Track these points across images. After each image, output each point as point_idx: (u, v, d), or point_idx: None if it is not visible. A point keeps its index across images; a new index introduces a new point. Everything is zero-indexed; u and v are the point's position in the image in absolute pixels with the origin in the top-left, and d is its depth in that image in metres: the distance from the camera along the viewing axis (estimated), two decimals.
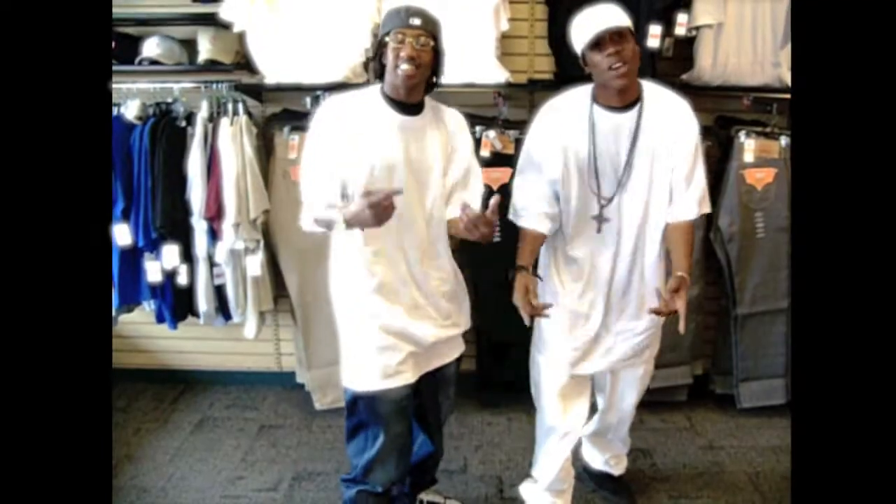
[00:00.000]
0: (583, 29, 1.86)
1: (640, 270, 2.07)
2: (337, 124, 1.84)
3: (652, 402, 3.05)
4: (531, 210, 2.03)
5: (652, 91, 1.97)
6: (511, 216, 2.09)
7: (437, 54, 1.86)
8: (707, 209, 2.05)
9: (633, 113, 1.92)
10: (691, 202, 1.99)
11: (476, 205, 1.91)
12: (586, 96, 1.97)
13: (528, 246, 2.03)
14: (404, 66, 1.78)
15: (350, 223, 1.74)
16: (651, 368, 2.31)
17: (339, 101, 1.88)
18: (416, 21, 1.79)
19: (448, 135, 1.95)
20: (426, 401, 2.14)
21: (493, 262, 2.95)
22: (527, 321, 1.92)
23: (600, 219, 2.01)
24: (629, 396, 2.32)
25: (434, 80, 1.92)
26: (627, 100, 1.92)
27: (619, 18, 1.84)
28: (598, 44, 1.83)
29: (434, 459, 2.33)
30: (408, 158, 1.86)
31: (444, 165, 1.94)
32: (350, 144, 1.82)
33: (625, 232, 2.02)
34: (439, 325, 2.02)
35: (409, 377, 1.96)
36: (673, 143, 1.94)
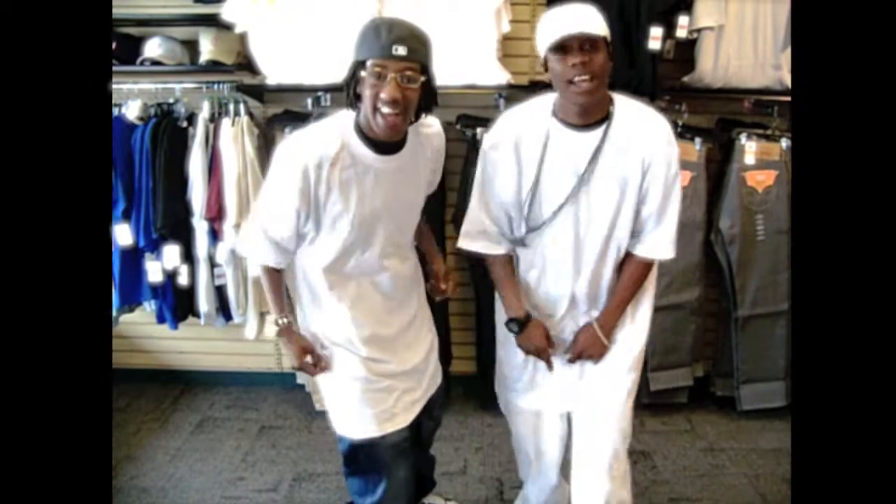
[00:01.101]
0: (549, 28, 1.55)
1: (599, 305, 1.86)
2: (305, 183, 1.53)
3: (652, 404, 3.05)
4: (491, 233, 1.80)
5: (626, 108, 1.68)
6: (466, 244, 1.85)
7: (427, 88, 1.51)
8: (673, 253, 1.79)
9: (597, 133, 1.65)
10: (664, 241, 1.74)
11: None
12: (546, 108, 1.71)
13: (509, 281, 1.84)
14: (386, 111, 1.44)
15: (280, 335, 1.76)
16: (625, 417, 1.90)
17: (307, 149, 1.55)
18: (401, 50, 1.40)
19: (428, 161, 1.73)
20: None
21: None
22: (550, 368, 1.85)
23: (521, 242, 1.78)
24: (601, 447, 1.89)
25: (422, 113, 1.61)
26: (591, 118, 1.64)
27: (594, 24, 1.53)
28: (562, 48, 1.53)
29: (427, 470, 2.29)
30: (388, 206, 1.63)
31: (423, 197, 1.77)
32: (324, 202, 1.57)
33: (584, 263, 1.77)
34: (419, 349, 1.89)
35: (407, 418, 1.85)
36: (646, 169, 1.67)
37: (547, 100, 1.73)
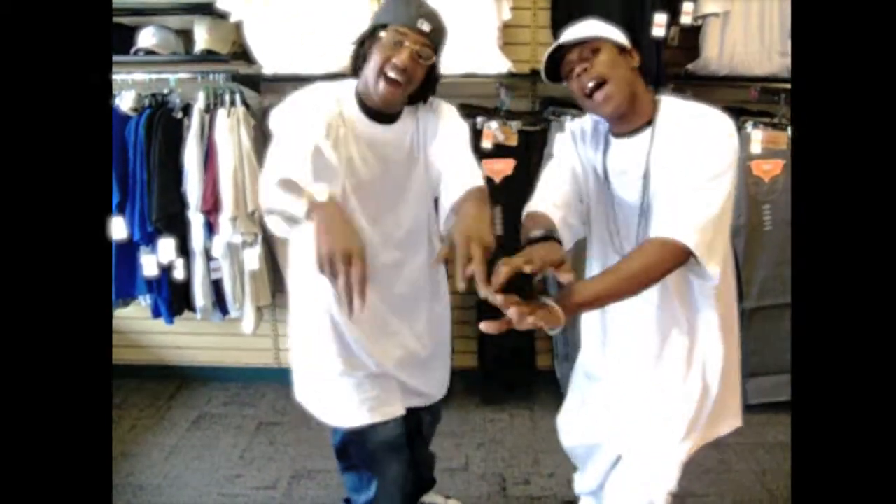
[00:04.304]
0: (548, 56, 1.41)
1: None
2: (320, 114, 1.49)
3: None
4: (546, 199, 1.54)
5: (672, 112, 1.44)
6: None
7: (431, 72, 1.52)
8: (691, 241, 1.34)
9: (642, 138, 1.44)
10: (681, 221, 1.33)
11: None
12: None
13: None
14: (392, 76, 1.43)
15: (311, 213, 1.28)
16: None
17: (324, 91, 1.56)
18: (426, 26, 1.43)
19: (424, 133, 1.62)
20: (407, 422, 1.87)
21: (493, 255, 2.93)
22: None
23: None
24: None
25: (421, 96, 1.58)
26: (628, 127, 1.45)
27: (592, 28, 1.38)
28: (563, 65, 1.40)
29: (427, 468, 2.24)
30: (380, 182, 1.57)
31: (421, 183, 1.64)
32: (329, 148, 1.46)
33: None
34: (428, 374, 1.84)
35: (398, 409, 1.76)
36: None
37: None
